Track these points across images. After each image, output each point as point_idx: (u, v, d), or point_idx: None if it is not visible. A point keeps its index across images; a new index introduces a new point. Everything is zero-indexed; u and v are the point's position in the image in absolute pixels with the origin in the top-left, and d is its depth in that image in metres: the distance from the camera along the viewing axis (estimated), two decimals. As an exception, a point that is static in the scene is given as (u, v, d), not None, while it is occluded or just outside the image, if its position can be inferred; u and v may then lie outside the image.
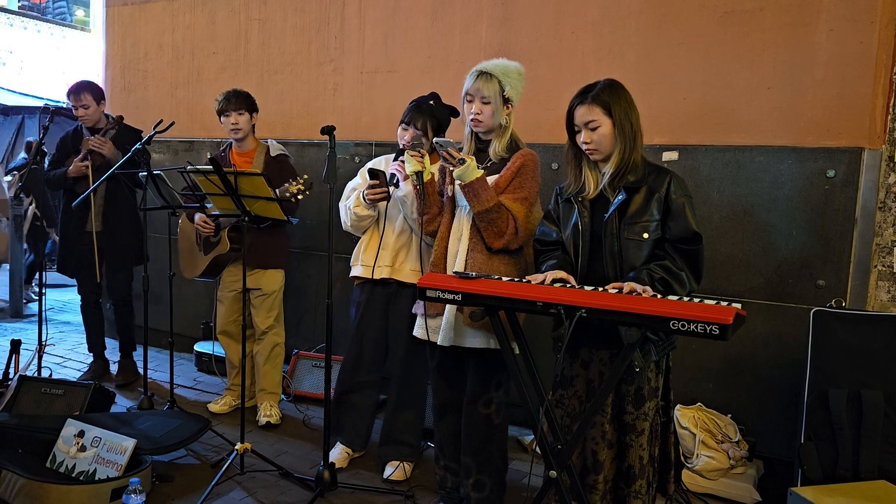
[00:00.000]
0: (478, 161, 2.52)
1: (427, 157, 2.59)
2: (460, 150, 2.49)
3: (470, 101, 2.50)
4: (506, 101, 2.49)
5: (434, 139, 2.43)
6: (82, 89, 3.92)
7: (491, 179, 2.47)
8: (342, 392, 3.15)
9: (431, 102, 2.91)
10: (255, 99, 3.58)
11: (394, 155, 3.00)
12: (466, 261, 2.50)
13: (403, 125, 2.90)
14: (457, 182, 2.44)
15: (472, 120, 2.51)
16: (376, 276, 2.98)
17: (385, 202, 2.91)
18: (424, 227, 2.67)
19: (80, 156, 3.86)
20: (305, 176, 3.05)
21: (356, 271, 3.07)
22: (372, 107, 4.06)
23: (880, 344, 2.61)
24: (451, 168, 2.40)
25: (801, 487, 2.46)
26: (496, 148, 2.52)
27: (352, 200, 2.98)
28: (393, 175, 2.81)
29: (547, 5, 3.50)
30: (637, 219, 2.10)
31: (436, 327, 2.57)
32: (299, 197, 3.01)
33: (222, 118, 3.50)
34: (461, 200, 2.53)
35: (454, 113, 2.93)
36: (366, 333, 3.09)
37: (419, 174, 2.55)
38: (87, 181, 3.78)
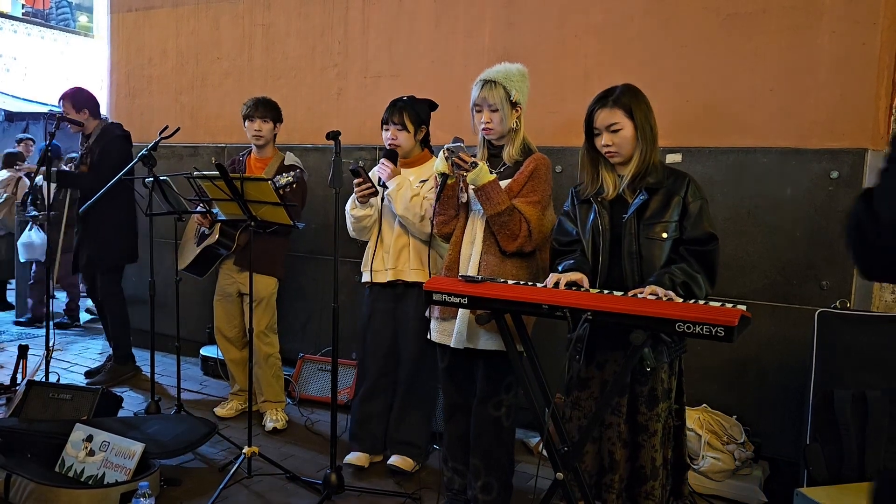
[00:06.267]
0: (492, 166, 2.54)
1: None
2: (473, 156, 2.51)
3: (479, 111, 2.53)
4: (513, 105, 2.50)
5: (445, 146, 2.45)
6: (63, 97, 4.13)
7: (505, 184, 2.49)
8: (361, 401, 3.16)
9: (406, 98, 3.00)
10: (281, 109, 3.65)
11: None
12: (479, 264, 2.51)
13: (384, 126, 2.99)
14: (470, 187, 2.46)
15: (483, 129, 2.53)
16: (381, 280, 3.02)
17: (377, 197, 2.96)
18: (439, 228, 2.69)
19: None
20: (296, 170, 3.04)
21: (364, 277, 3.11)
22: (376, 111, 4.01)
23: (885, 344, 2.62)
24: (464, 173, 2.42)
25: (807, 488, 2.47)
26: (510, 152, 2.54)
27: (349, 204, 3.02)
28: (378, 178, 2.88)
29: (550, 9, 3.51)
30: (656, 219, 2.12)
31: (449, 330, 2.59)
32: (287, 189, 2.94)
33: (247, 123, 3.55)
34: (475, 205, 2.55)
35: (433, 106, 3.03)
36: (375, 338, 3.11)
37: (444, 176, 2.56)
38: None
